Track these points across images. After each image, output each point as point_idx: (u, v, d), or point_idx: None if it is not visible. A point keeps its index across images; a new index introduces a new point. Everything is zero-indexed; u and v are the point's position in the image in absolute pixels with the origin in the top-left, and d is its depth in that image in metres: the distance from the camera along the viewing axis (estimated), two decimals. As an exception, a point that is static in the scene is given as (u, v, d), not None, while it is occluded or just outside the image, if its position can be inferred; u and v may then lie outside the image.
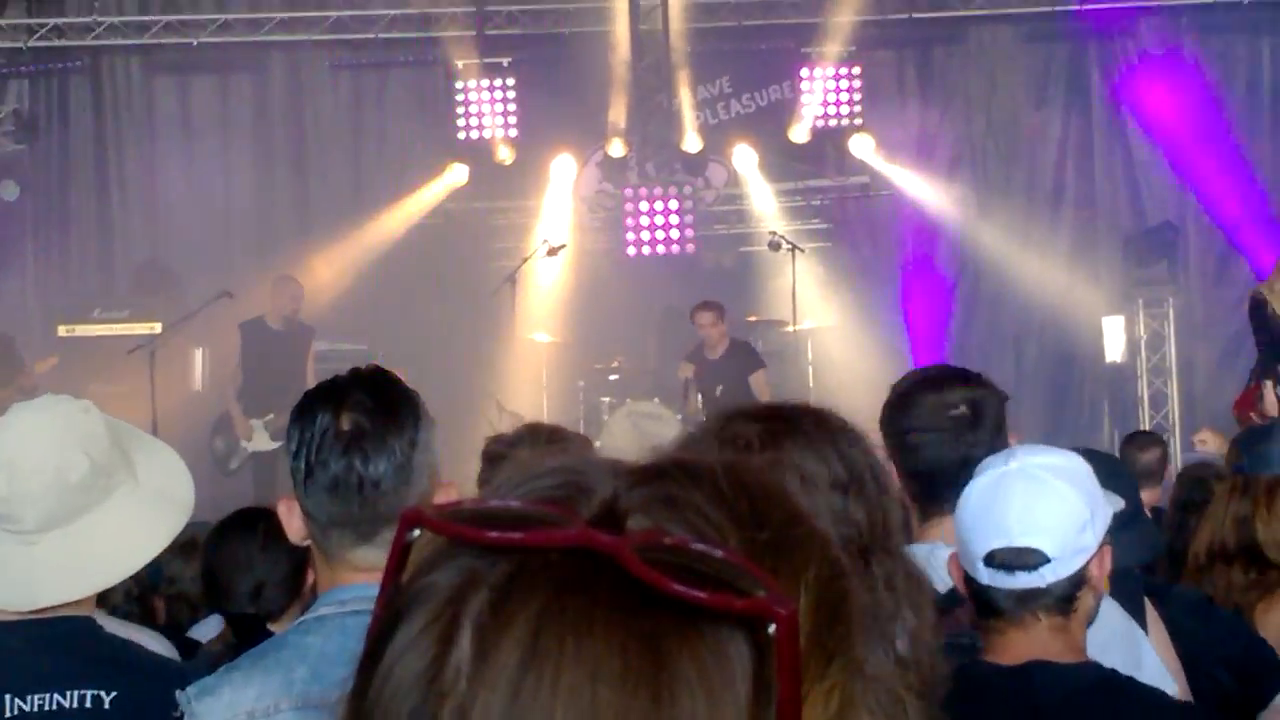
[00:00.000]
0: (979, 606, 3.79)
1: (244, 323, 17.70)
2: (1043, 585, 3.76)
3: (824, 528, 1.36)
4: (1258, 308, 16.02)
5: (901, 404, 4.92)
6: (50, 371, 17.58)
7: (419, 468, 3.53)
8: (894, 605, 2.74)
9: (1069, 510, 3.77)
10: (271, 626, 5.68)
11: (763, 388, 17.12)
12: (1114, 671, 3.84)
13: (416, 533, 1.28)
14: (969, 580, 3.77)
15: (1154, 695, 3.81)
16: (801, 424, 2.91)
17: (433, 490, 3.58)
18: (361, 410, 3.53)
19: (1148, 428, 19.20)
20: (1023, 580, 3.73)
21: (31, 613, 3.74)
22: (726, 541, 1.25)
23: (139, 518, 3.92)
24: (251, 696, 3.43)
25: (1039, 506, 3.75)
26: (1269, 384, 15.52)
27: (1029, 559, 3.72)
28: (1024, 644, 3.76)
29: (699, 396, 17.36)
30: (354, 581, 3.52)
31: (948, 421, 4.78)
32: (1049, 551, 3.72)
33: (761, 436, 2.84)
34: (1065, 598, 3.80)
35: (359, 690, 1.27)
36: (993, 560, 3.71)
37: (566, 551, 1.21)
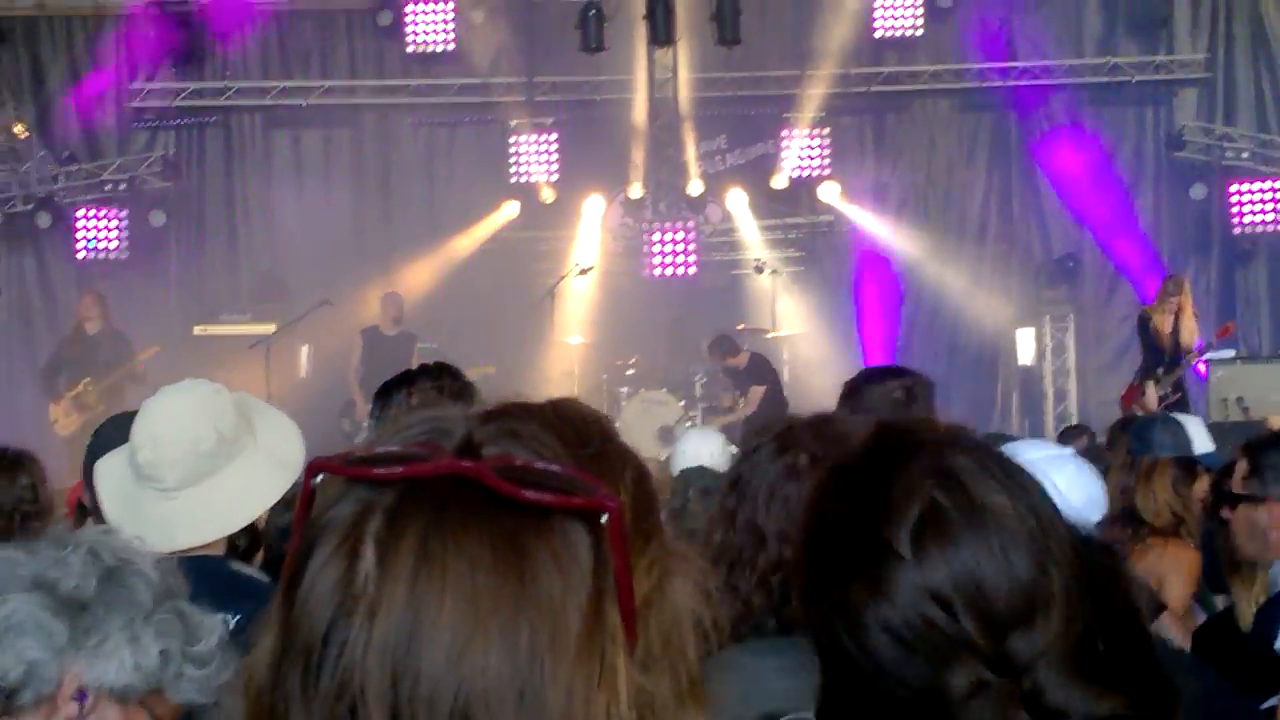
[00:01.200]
0: None
1: (364, 329, 18.08)
2: None
3: (627, 445, 1.44)
4: (1144, 324, 16.22)
5: (851, 394, 5.00)
6: (151, 358, 17.62)
7: None
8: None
9: None
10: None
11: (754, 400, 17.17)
12: None
13: (320, 477, 1.33)
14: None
15: None
16: None
17: None
18: (426, 393, 3.56)
19: (1051, 419, 19.29)
20: None
21: (173, 553, 3.77)
22: (560, 459, 1.32)
23: (257, 478, 3.95)
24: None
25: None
26: (1150, 384, 15.60)
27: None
28: None
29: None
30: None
31: (888, 404, 4.85)
32: None
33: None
34: None
35: (285, 604, 1.30)
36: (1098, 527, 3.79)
37: (439, 478, 1.27)
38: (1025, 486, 1.72)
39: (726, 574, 2.84)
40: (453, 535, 1.25)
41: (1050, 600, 1.64)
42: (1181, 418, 6.75)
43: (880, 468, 1.77)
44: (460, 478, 1.27)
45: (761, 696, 2.52)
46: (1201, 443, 6.37)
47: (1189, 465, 6.26)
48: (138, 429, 3.90)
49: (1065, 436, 11.03)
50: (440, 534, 1.25)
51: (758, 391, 17.20)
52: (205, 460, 3.85)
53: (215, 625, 2.65)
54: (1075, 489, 3.74)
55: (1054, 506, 1.74)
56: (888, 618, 1.65)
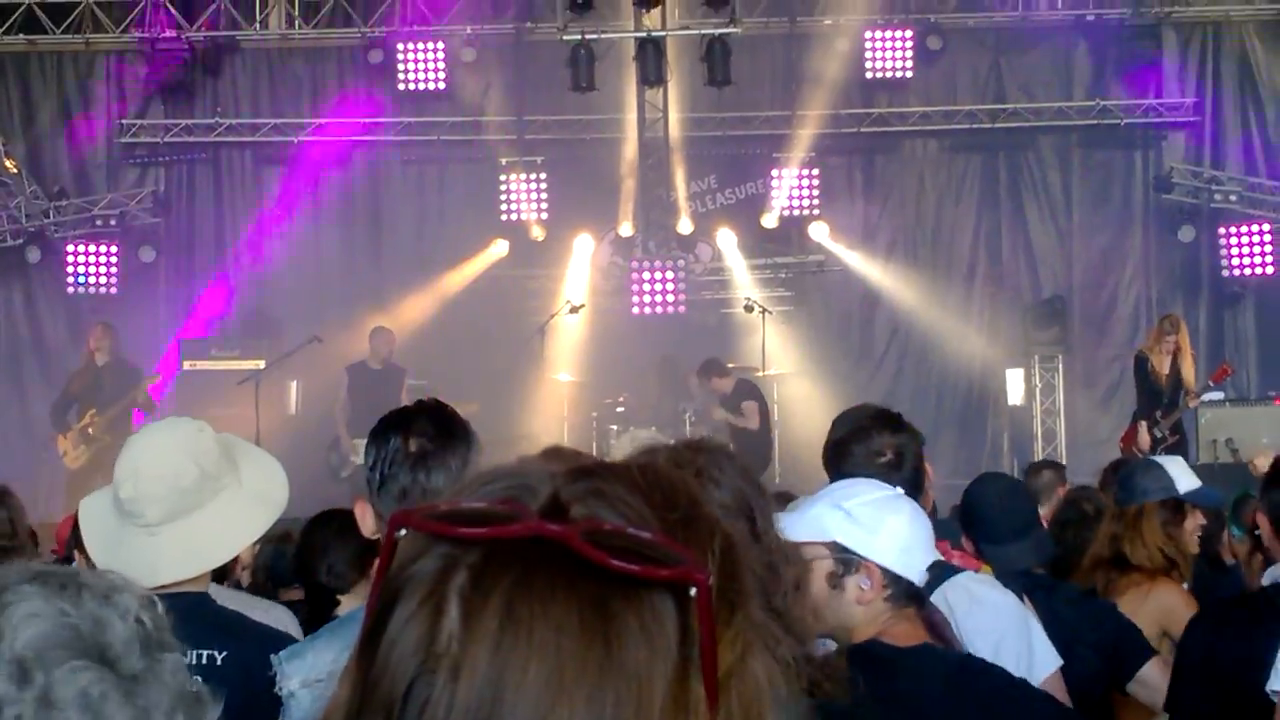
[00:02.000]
0: (900, 601, 3.76)
1: (350, 365, 18.02)
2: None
3: (715, 511, 1.42)
4: (1140, 364, 16.13)
5: (837, 452, 4.96)
6: (156, 385, 17.69)
7: None
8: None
9: None
10: (341, 597, 5.78)
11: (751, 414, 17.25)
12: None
13: (403, 531, 1.31)
14: (894, 579, 3.73)
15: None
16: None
17: None
18: (425, 435, 3.56)
19: (1040, 457, 19.20)
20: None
21: (154, 589, 3.73)
22: (647, 523, 1.29)
23: (238, 515, 3.96)
24: (329, 660, 3.46)
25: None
26: (1143, 424, 15.57)
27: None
28: (920, 630, 3.76)
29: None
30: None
31: (877, 468, 4.78)
32: None
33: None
34: None
35: (364, 662, 1.28)
36: (931, 568, 3.80)
37: (526, 540, 1.25)
38: None
39: None
40: (539, 599, 1.23)
41: None
42: (1162, 459, 6.82)
43: None
44: (547, 540, 1.25)
45: None
46: (1186, 481, 6.42)
47: (1176, 505, 6.33)
48: (120, 466, 3.92)
49: (1031, 471, 10.98)
50: (527, 597, 1.23)
51: (751, 407, 17.21)
52: (187, 496, 3.84)
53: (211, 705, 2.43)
54: (909, 530, 3.74)
55: None
56: None
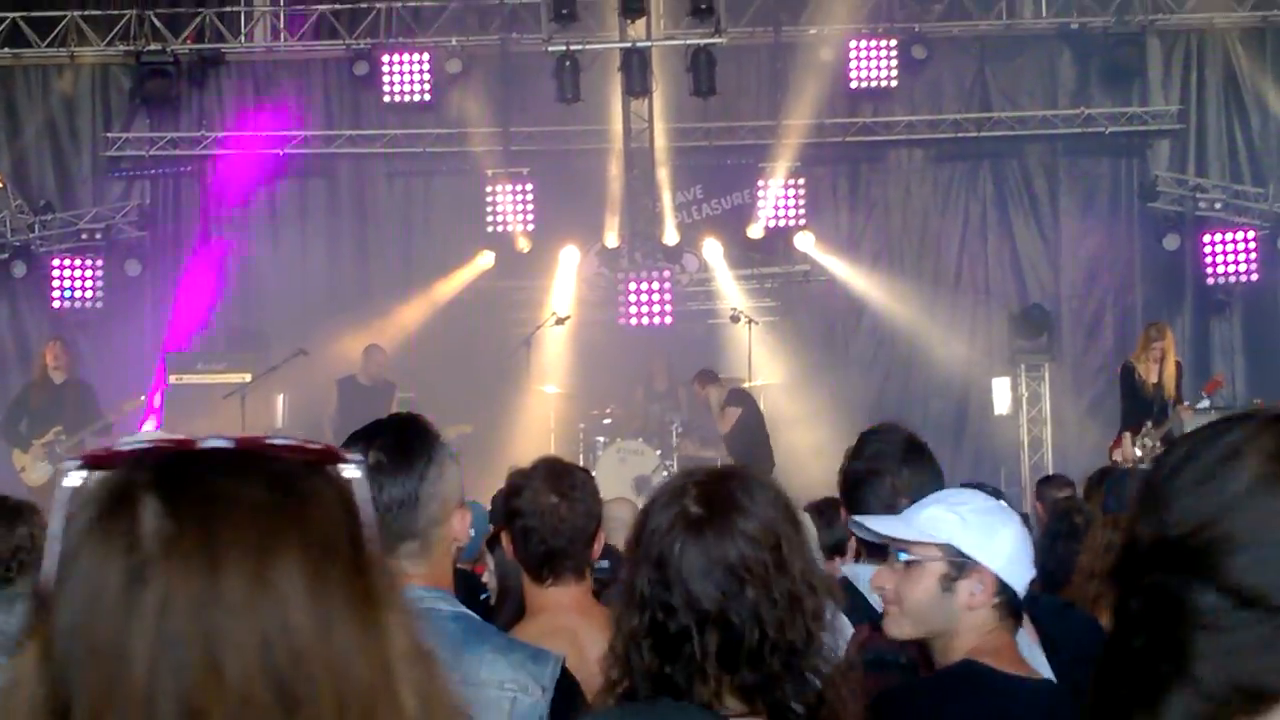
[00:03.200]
0: (1011, 613, 3.81)
1: (340, 379, 18.07)
2: None
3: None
4: (1128, 374, 16.09)
5: (854, 484, 5.01)
6: (135, 409, 17.65)
7: (427, 496, 3.53)
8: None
9: None
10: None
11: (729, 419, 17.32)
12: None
13: (84, 475, 1.39)
14: (1006, 590, 3.76)
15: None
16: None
17: (446, 514, 3.56)
18: (384, 449, 3.55)
19: (1026, 468, 19.25)
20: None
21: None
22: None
23: None
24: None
25: None
26: (1128, 435, 15.53)
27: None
28: (1017, 648, 3.82)
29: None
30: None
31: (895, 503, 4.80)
32: None
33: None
34: None
35: (58, 582, 1.35)
36: (1031, 584, 3.83)
37: (192, 452, 1.39)
38: None
39: (613, 633, 2.86)
40: (232, 476, 1.37)
41: None
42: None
43: None
44: (210, 450, 1.40)
45: None
46: None
47: None
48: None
49: (1047, 485, 10.95)
50: (221, 477, 1.36)
51: (733, 413, 17.23)
52: None
53: None
54: (1018, 542, 3.78)
55: None
56: None
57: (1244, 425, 1.62)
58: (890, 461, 5.04)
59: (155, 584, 1.30)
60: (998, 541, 3.73)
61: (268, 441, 1.42)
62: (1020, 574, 3.75)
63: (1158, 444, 15.41)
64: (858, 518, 4.15)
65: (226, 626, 1.30)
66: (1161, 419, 15.61)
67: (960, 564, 3.73)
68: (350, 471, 1.45)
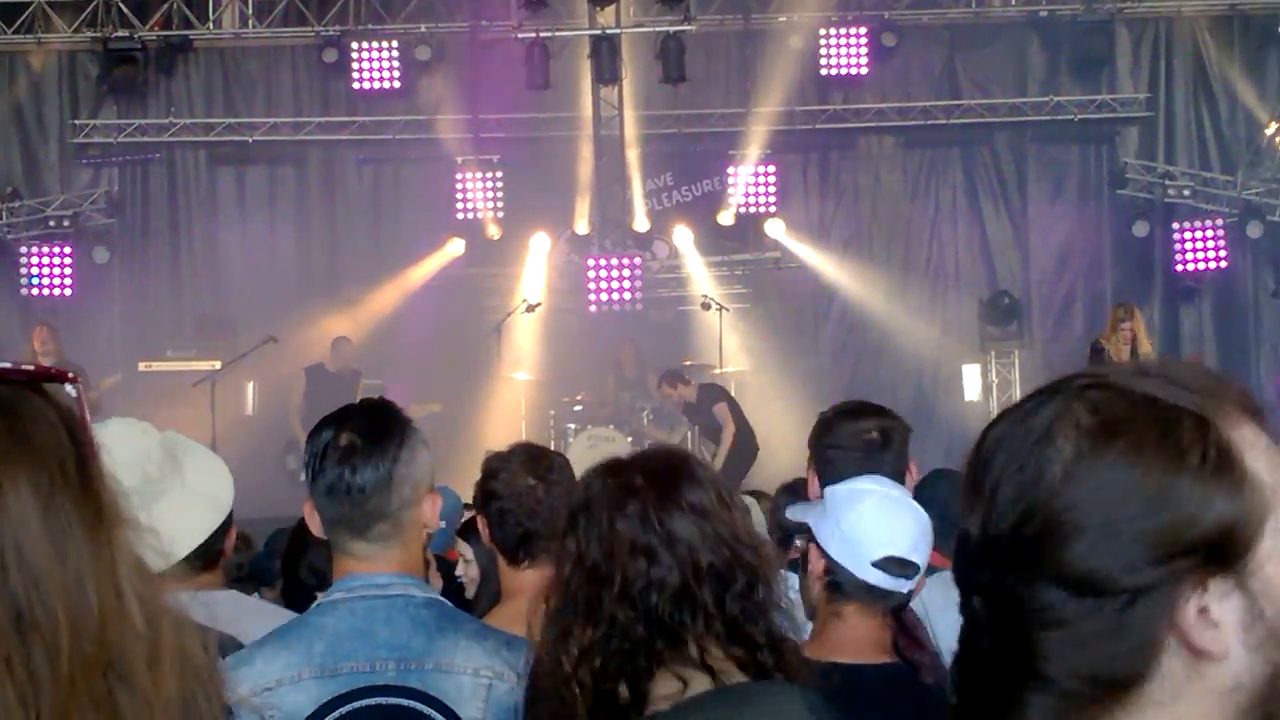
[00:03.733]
0: (841, 592, 3.76)
1: (308, 366, 18.03)
2: (903, 591, 3.79)
3: None
4: (1096, 354, 16.08)
5: (825, 428, 4.95)
6: (111, 388, 17.56)
7: (400, 478, 3.51)
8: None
9: (930, 541, 3.80)
10: (319, 594, 5.76)
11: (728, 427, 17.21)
12: (907, 672, 3.86)
13: None
14: (837, 569, 3.73)
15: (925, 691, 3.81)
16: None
17: (418, 497, 3.54)
18: (356, 431, 3.53)
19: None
20: (899, 585, 3.73)
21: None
22: None
23: (184, 517, 3.88)
24: (279, 666, 3.41)
25: (921, 532, 3.78)
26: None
27: (910, 571, 3.75)
28: (858, 629, 3.77)
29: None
30: (358, 571, 3.52)
31: (861, 443, 4.78)
32: (920, 569, 3.77)
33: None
34: (903, 605, 3.86)
35: None
36: (883, 564, 3.71)
37: None
38: None
39: (558, 609, 2.83)
40: None
41: None
42: None
43: None
44: None
45: None
46: None
47: None
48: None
49: None
50: None
51: (723, 409, 17.10)
52: (130, 499, 3.76)
53: None
54: (863, 523, 3.80)
55: None
56: None
57: (1052, 401, 1.58)
58: (856, 409, 5.14)
59: None
60: (834, 520, 3.75)
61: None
62: (860, 555, 3.73)
63: None
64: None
65: None
66: None
67: (809, 542, 3.82)
68: (70, 390, 1.45)
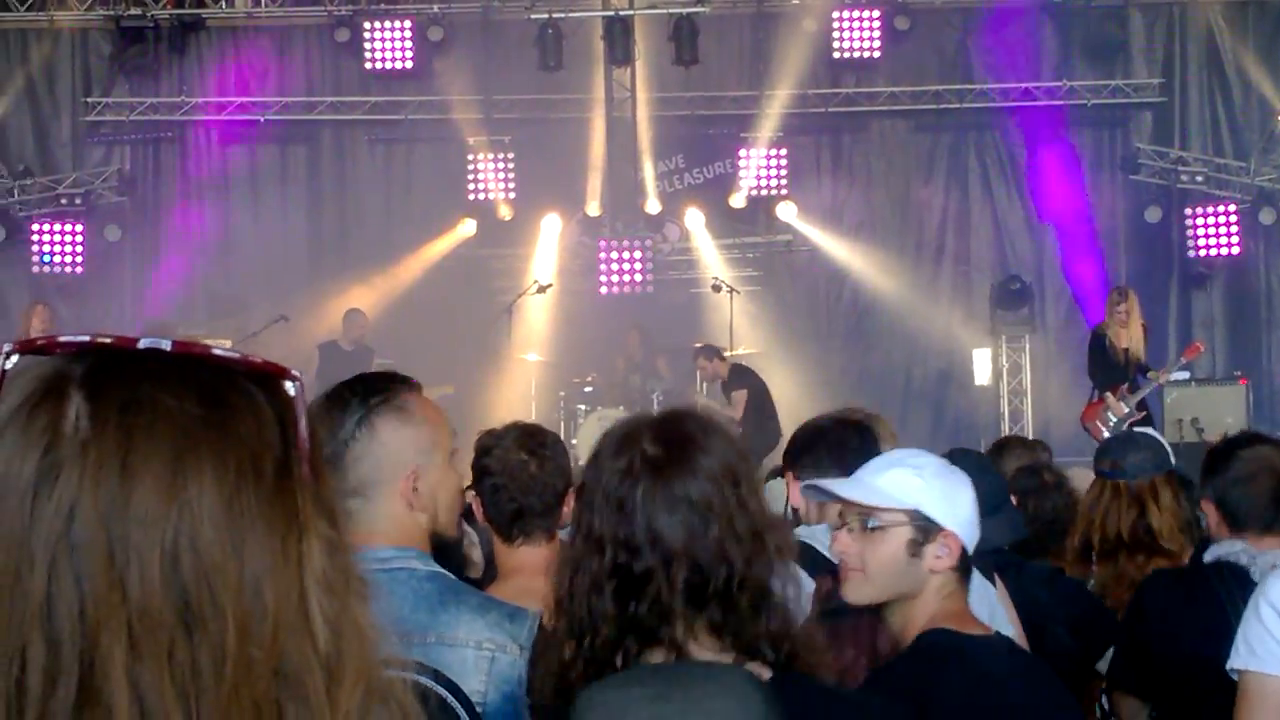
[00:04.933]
0: (964, 574, 3.75)
1: (321, 344, 17.94)
2: None
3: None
4: (1099, 341, 16.08)
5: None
6: None
7: (356, 456, 3.44)
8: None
9: None
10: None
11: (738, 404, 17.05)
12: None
13: (13, 359, 1.36)
14: (964, 553, 3.70)
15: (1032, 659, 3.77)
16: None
17: (391, 475, 3.45)
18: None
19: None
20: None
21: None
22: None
23: None
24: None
25: None
26: (1110, 395, 15.56)
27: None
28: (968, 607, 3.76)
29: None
30: (363, 545, 3.44)
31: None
32: None
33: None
34: None
35: None
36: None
37: (128, 351, 1.36)
38: None
39: (569, 579, 2.78)
40: (157, 381, 1.33)
41: None
42: (1151, 432, 6.56)
43: None
44: (148, 350, 1.36)
45: None
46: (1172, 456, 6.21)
47: (1177, 479, 6.06)
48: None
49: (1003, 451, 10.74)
50: (146, 379, 1.33)
51: (740, 396, 17.04)
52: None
53: None
54: (973, 505, 3.76)
55: None
56: None
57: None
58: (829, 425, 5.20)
59: (65, 485, 1.27)
60: (959, 504, 3.68)
61: (207, 349, 1.38)
62: (974, 535, 3.71)
63: (1133, 409, 15.43)
64: (814, 481, 4.06)
65: (133, 537, 1.27)
66: (1136, 388, 15.61)
67: (926, 528, 3.66)
68: (291, 389, 1.42)
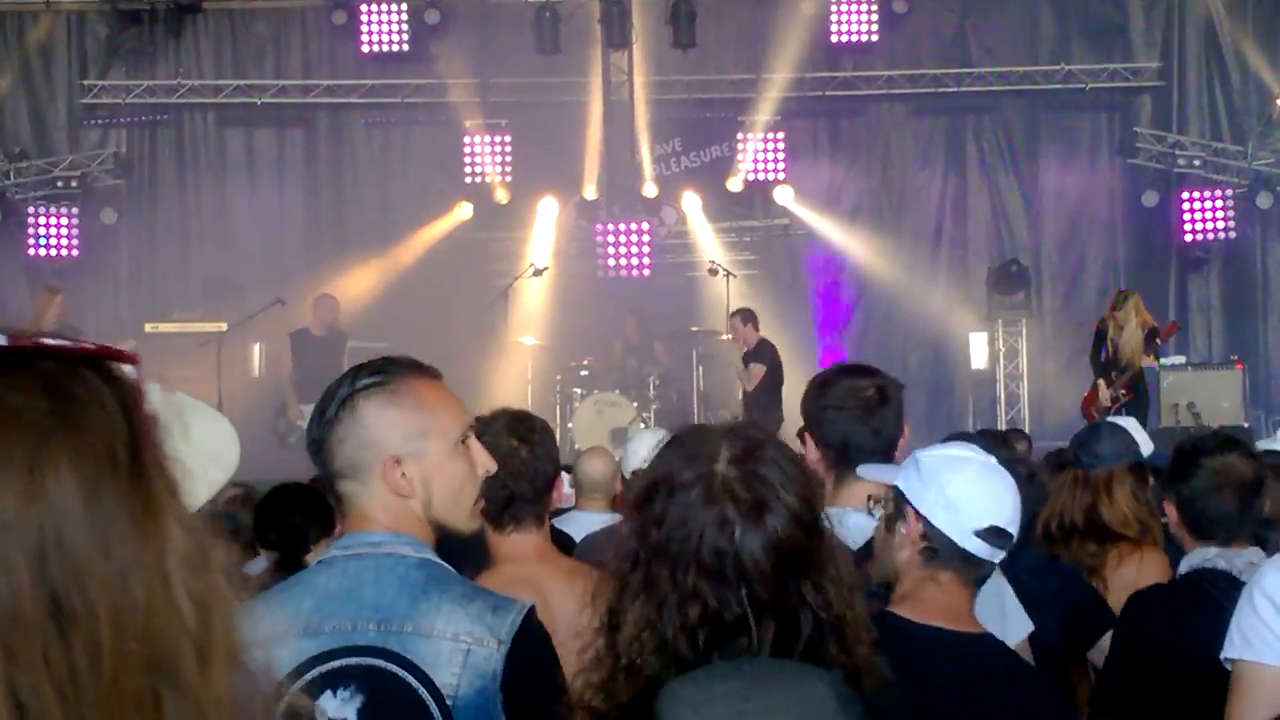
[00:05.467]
0: (938, 558, 3.67)
1: (293, 332, 17.82)
2: (994, 562, 3.74)
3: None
4: (1099, 334, 16.09)
5: (821, 388, 4.82)
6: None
7: (337, 440, 3.44)
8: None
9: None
10: (307, 557, 5.91)
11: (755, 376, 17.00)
12: (1002, 644, 3.80)
13: None
14: (937, 535, 3.64)
15: (1025, 668, 3.74)
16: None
17: (378, 459, 3.43)
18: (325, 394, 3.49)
19: (1003, 423, 19.18)
20: (994, 555, 3.69)
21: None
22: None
23: (188, 476, 3.80)
24: (268, 624, 3.33)
25: (1017, 504, 3.72)
26: (1101, 384, 15.58)
27: (1006, 542, 3.69)
28: (953, 597, 3.69)
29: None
30: (360, 529, 3.42)
31: (859, 401, 4.68)
32: (1014, 540, 3.73)
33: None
34: (988, 576, 3.80)
35: None
36: (985, 534, 3.62)
37: None
38: None
39: (655, 609, 2.65)
40: (1, 377, 1.31)
41: None
42: (1122, 421, 6.60)
43: None
44: None
45: None
46: (1145, 444, 6.26)
47: (1140, 470, 6.16)
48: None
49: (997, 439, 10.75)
50: None
51: (759, 370, 16.98)
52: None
53: None
54: (966, 490, 3.68)
55: None
56: None
57: None
58: (851, 369, 5.06)
59: None
60: (936, 486, 3.65)
61: (39, 340, 1.37)
62: (963, 523, 3.64)
63: (1122, 394, 15.43)
64: (864, 466, 4.14)
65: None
66: (1125, 370, 15.59)
67: (900, 505, 3.71)
68: (130, 371, 1.42)
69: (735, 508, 2.64)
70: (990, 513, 3.65)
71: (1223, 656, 3.97)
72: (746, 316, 17.59)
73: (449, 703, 3.27)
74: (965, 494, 3.66)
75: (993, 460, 3.80)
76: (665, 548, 2.67)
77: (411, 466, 3.45)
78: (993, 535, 3.64)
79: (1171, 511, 5.05)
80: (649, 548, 2.69)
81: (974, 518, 3.65)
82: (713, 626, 2.61)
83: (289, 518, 6.09)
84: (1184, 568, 4.97)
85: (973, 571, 3.71)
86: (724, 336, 18.31)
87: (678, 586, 2.63)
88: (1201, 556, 4.89)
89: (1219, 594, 4.56)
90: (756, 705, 2.45)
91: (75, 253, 20.35)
